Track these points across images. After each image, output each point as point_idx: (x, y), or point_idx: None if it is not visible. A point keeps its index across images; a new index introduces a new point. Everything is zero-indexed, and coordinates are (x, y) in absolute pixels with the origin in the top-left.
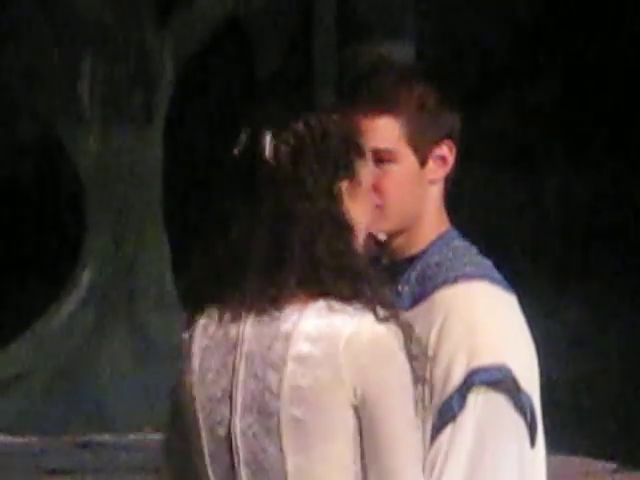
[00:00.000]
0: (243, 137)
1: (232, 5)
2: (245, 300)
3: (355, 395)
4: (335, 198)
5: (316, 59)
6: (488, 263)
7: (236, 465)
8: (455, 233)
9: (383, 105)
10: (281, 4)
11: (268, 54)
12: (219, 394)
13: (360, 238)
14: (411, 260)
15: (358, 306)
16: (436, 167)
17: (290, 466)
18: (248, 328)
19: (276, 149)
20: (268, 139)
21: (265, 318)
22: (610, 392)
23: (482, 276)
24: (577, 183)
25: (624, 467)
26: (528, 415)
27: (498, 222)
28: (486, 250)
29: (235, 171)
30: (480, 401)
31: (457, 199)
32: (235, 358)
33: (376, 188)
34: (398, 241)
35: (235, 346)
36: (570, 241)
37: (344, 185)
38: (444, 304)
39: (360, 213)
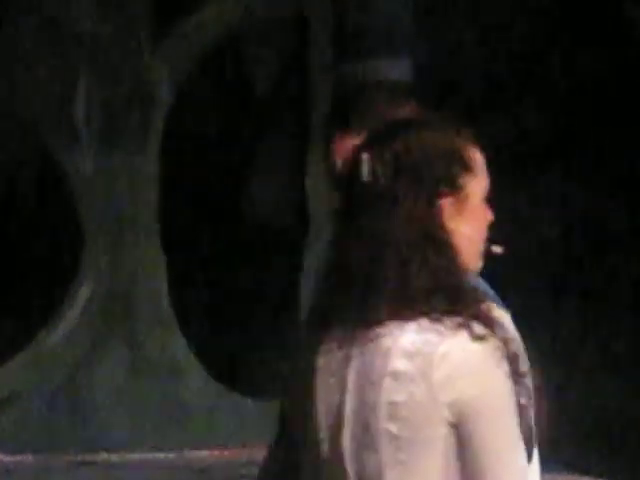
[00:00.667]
0: (351, 159)
1: (229, 23)
2: (351, 319)
3: (450, 413)
4: (434, 217)
5: (312, 76)
6: None
7: (346, 478)
8: None
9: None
10: (277, 21)
11: (265, 72)
12: (333, 409)
13: (468, 253)
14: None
15: (453, 324)
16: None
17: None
18: (356, 345)
19: (374, 170)
20: (366, 160)
21: (370, 335)
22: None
23: None
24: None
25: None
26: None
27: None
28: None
29: (340, 193)
30: None
31: None
32: (346, 375)
33: None
34: None
35: (346, 363)
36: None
37: (448, 202)
38: None
39: (469, 228)
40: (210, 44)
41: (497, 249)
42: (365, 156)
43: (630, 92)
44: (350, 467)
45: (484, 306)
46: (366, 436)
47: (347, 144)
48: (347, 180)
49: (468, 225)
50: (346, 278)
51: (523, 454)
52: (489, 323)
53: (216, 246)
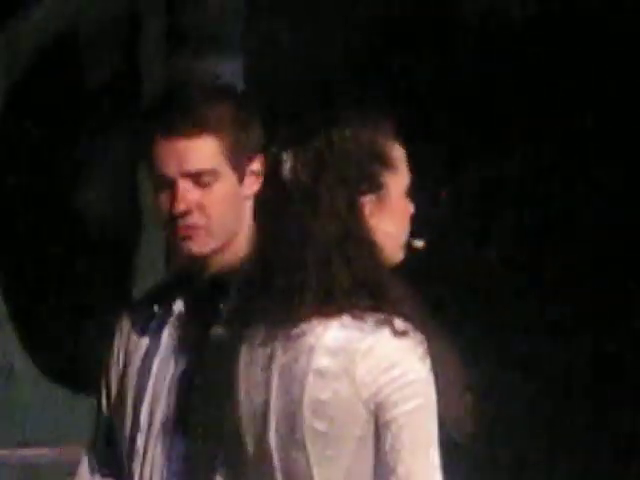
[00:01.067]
0: (269, 156)
1: (60, 20)
2: (274, 317)
3: (374, 409)
4: (355, 215)
5: (145, 76)
6: None
7: (273, 476)
8: None
9: (202, 125)
10: (110, 19)
11: (97, 70)
12: (258, 408)
13: (389, 249)
14: (224, 275)
15: (375, 320)
16: (251, 182)
17: (318, 477)
18: (280, 343)
19: (295, 168)
20: (287, 159)
21: (294, 333)
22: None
23: None
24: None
25: None
26: None
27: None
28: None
29: (262, 192)
30: None
31: None
32: (270, 374)
33: (199, 208)
34: (217, 257)
35: (270, 362)
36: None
37: (368, 200)
38: None
39: (390, 225)
40: (42, 41)
41: (418, 243)
42: (285, 154)
43: (465, 91)
44: (278, 465)
45: (407, 302)
46: (293, 434)
47: (168, 143)
48: (267, 178)
49: (389, 222)
50: (268, 277)
51: (438, 452)
52: (411, 319)
53: (46, 246)
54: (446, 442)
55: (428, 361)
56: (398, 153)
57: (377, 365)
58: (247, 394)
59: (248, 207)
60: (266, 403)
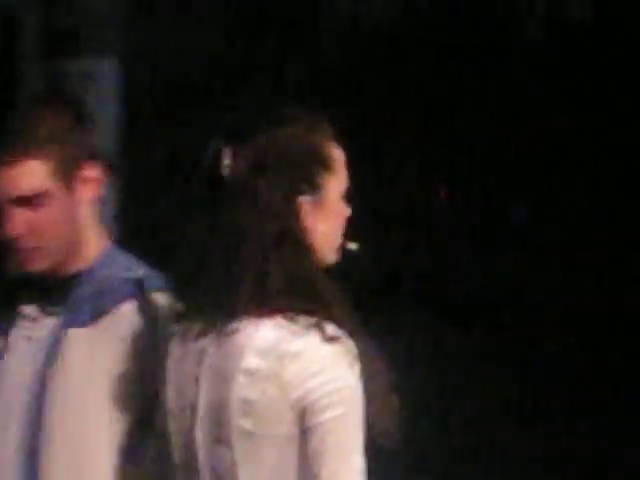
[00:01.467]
0: (208, 152)
1: None
2: (207, 314)
3: (300, 411)
4: (293, 215)
5: (22, 76)
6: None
7: (198, 472)
8: (117, 247)
9: (24, 151)
10: None
11: None
12: (187, 404)
13: (324, 249)
14: (74, 277)
15: (307, 324)
16: (85, 189)
17: (243, 476)
18: (211, 341)
19: (235, 164)
20: (227, 154)
21: (226, 331)
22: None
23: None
24: None
25: None
26: None
27: None
28: None
29: (198, 186)
30: None
31: None
32: (200, 369)
33: (31, 230)
34: (63, 264)
35: (200, 358)
36: None
37: (306, 200)
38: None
39: (326, 225)
40: None
41: (352, 246)
42: (225, 150)
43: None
44: (203, 462)
45: (338, 305)
46: (220, 432)
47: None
48: (206, 174)
49: (325, 222)
50: (205, 274)
51: (363, 457)
52: (342, 324)
53: None
54: (372, 447)
55: (357, 368)
56: (338, 155)
57: (306, 369)
58: (176, 389)
59: (89, 213)
60: (195, 400)
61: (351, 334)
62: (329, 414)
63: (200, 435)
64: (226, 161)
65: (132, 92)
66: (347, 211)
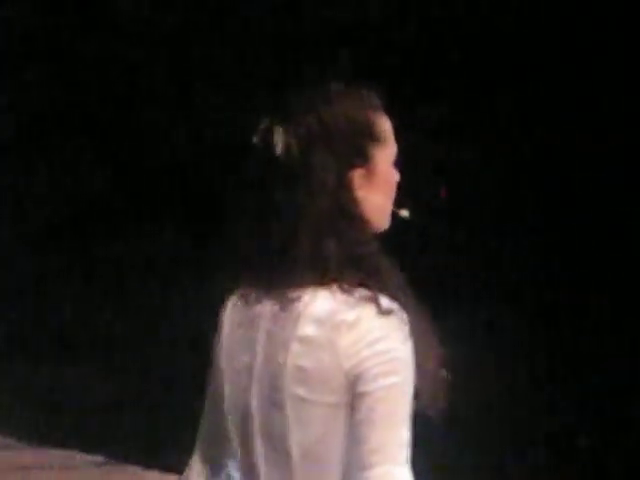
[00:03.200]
0: (260, 133)
1: None
2: (267, 284)
3: (353, 380)
4: (346, 189)
5: None
6: None
7: (251, 433)
8: None
9: None
10: None
11: None
12: (242, 367)
13: (378, 223)
14: None
15: (362, 295)
16: None
17: (293, 440)
18: (268, 308)
19: (287, 144)
20: (279, 134)
21: (283, 299)
22: None
23: None
24: None
25: (110, 459)
26: None
27: None
28: None
29: (252, 167)
30: None
31: None
32: (257, 335)
33: None
34: None
35: (257, 324)
36: None
37: (358, 173)
38: None
39: (378, 196)
40: None
41: (404, 213)
42: (278, 129)
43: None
44: (257, 424)
45: (393, 278)
46: (274, 396)
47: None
48: (260, 152)
49: (378, 193)
50: (262, 250)
51: (409, 429)
52: (397, 296)
53: None
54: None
55: (409, 342)
56: (386, 126)
57: (362, 338)
58: (229, 351)
59: None
60: (251, 363)
61: (404, 307)
62: (381, 383)
63: (255, 398)
64: (277, 141)
65: None
66: (397, 177)
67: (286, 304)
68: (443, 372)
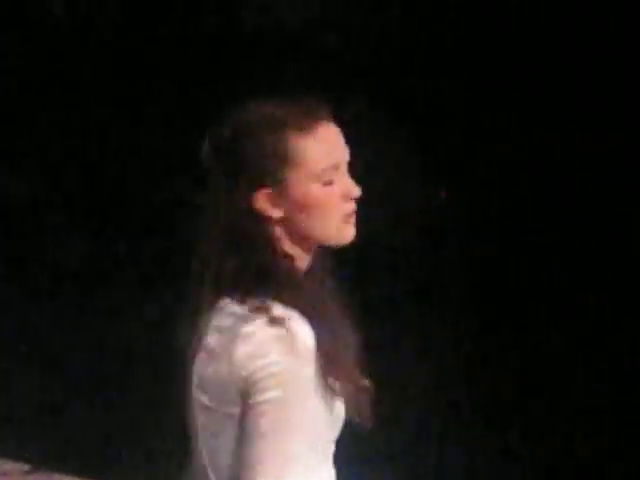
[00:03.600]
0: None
1: None
2: (196, 298)
3: (245, 391)
4: (249, 209)
5: None
6: None
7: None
8: None
9: None
10: None
11: None
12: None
13: (321, 240)
14: None
15: (257, 306)
16: None
17: (202, 445)
18: (193, 322)
19: (207, 151)
20: (206, 140)
21: (198, 312)
22: None
23: None
24: None
25: (38, 468)
26: None
27: None
28: None
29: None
30: None
31: None
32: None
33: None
34: None
35: (201, 337)
36: None
37: (265, 194)
38: None
39: (300, 218)
40: None
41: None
42: (206, 136)
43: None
44: (193, 428)
45: (293, 289)
46: (191, 403)
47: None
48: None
49: (298, 213)
50: (196, 259)
51: (303, 444)
52: (292, 307)
53: None
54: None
55: (298, 355)
56: (302, 146)
57: (253, 351)
58: (194, 362)
59: None
60: (190, 374)
61: (309, 316)
62: (264, 396)
63: (189, 405)
64: (205, 147)
65: None
66: (355, 192)
67: (200, 315)
68: (365, 382)
